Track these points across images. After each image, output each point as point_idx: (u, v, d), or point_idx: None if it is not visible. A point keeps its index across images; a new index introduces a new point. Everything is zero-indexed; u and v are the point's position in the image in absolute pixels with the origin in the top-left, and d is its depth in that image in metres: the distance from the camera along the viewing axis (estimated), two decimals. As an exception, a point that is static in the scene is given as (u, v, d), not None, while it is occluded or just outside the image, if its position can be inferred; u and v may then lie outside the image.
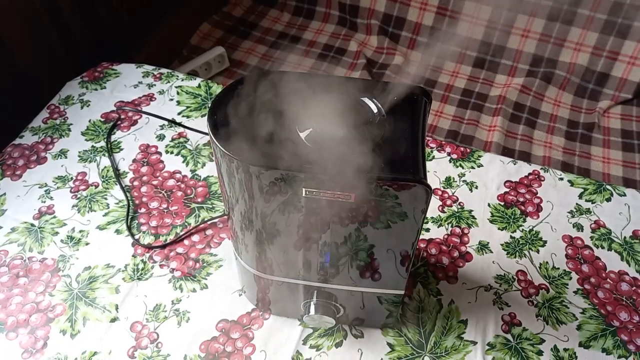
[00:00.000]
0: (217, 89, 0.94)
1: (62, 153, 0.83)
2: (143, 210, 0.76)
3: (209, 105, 0.48)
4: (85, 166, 0.82)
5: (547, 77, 1.32)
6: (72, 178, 0.80)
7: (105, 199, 0.77)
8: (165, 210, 0.77)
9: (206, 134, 0.86)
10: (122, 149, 0.84)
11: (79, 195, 0.78)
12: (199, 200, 0.78)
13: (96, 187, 0.79)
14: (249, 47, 1.39)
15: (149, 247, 0.72)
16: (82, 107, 0.90)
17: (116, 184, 0.79)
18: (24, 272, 0.69)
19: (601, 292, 0.70)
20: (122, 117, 0.88)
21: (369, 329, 0.66)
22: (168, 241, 0.73)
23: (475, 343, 0.65)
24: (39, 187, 0.79)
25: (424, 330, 0.66)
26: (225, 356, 0.63)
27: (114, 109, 0.90)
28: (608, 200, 0.80)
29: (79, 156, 0.83)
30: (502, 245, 0.74)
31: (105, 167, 0.81)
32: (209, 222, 0.75)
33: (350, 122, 0.45)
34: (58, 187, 0.79)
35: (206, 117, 0.48)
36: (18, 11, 0.92)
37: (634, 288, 0.71)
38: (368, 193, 0.44)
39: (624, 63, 1.25)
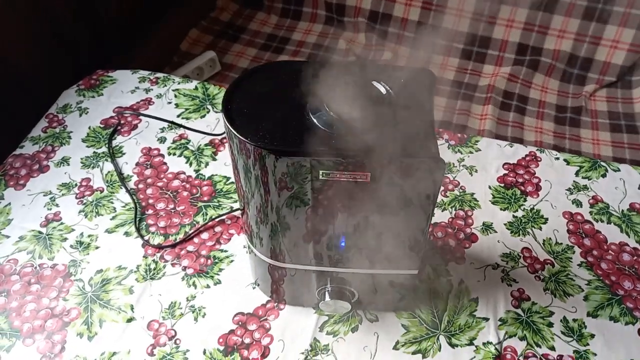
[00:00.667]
0: (214, 90, 0.95)
1: (65, 160, 0.83)
2: (150, 211, 0.77)
3: (223, 98, 0.49)
4: (89, 172, 0.82)
5: (533, 65, 1.35)
6: (76, 184, 0.80)
7: (112, 202, 0.78)
8: (173, 211, 0.77)
9: (207, 133, 0.87)
10: (124, 154, 0.84)
11: (84, 201, 0.78)
12: (206, 199, 0.79)
13: (101, 192, 0.79)
14: (239, 50, 1.40)
15: (160, 247, 0.73)
16: (80, 115, 0.90)
17: (121, 188, 0.79)
18: (35, 279, 0.69)
19: (604, 264, 0.72)
20: (122, 122, 0.89)
21: (383, 312, 0.67)
22: (178, 240, 0.73)
23: (487, 319, 0.66)
24: (44, 195, 0.79)
25: (436, 311, 0.67)
26: (244, 347, 0.63)
27: (113, 114, 0.90)
28: (603, 176, 0.83)
29: (82, 163, 0.83)
30: (505, 225, 0.76)
31: (109, 171, 0.82)
32: (217, 220, 0.76)
33: (363, 104, 0.46)
34: (63, 194, 0.79)
35: (221, 111, 0.49)
36: (16, 11, 0.92)
37: (635, 258, 0.73)
38: (384, 172, 0.45)
39: (607, 47, 1.29)
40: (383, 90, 0.47)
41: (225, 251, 0.73)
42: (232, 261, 0.72)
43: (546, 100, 1.31)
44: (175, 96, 0.93)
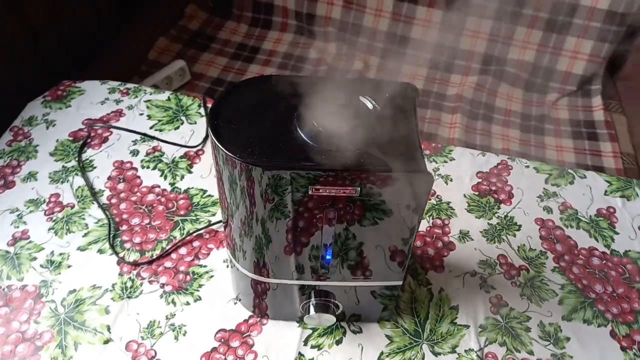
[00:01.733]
0: (187, 101, 0.93)
1: (31, 175, 0.80)
2: (125, 227, 0.75)
3: (209, 111, 0.48)
4: (58, 187, 0.79)
5: (498, 75, 1.39)
6: (44, 200, 0.77)
7: (83, 219, 0.75)
8: (148, 226, 0.75)
9: (182, 145, 0.85)
10: (95, 167, 0.82)
11: (54, 218, 0.75)
12: (182, 213, 0.77)
13: (72, 207, 0.76)
14: (208, 59, 1.38)
15: (136, 264, 0.70)
16: (47, 127, 0.87)
17: (93, 203, 0.77)
18: (4, 302, 0.66)
19: (575, 268, 0.75)
20: (92, 134, 0.86)
21: (366, 323, 0.67)
22: (155, 256, 0.71)
23: (468, 327, 0.67)
24: (10, 213, 0.75)
25: (418, 320, 0.68)
26: (228, 365, 0.62)
27: (82, 127, 0.87)
28: (571, 183, 0.86)
29: (50, 177, 0.80)
30: (481, 232, 0.78)
31: (79, 186, 0.79)
32: (195, 234, 0.74)
33: (350, 119, 0.46)
34: (31, 211, 0.76)
35: (206, 123, 0.48)
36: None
37: (604, 262, 0.76)
38: (373, 186, 0.45)
39: (567, 57, 1.34)
40: (370, 105, 0.48)
41: (205, 266, 0.71)
42: (212, 276, 0.70)
43: (511, 109, 1.35)
44: (148, 107, 0.91)
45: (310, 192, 0.46)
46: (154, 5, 1.43)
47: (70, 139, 0.85)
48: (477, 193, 0.83)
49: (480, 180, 0.85)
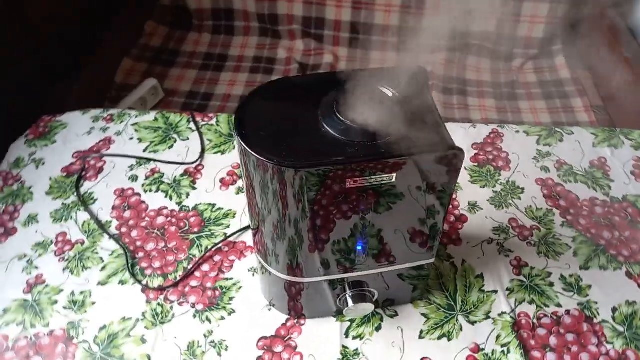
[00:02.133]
0: (175, 118, 0.92)
1: (32, 218, 0.77)
2: (141, 254, 0.73)
3: (234, 120, 0.48)
4: (63, 225, 0.77)
5: (465, 49, 1.43)
6: (52, 241, 0.75)
7: (97, 253, 0.73)
8: (165, 249, 0.74)
9: (180, 163, 0.84)
10: (96, 199, 0.80)
11: (66, 257, 0.73)
12: (196, 230, 0.76)
13: (82, 244, 0.74)
14: (178, 74, 1.36)
15: (162, 289, 0.70)
16: (37, 167, 0.84)
17: (103, 236, 0.75)
18: (34, 351, 0.64)
19: (582, 219, 0.78)
20: (86, 167, 0.84)
21: (400, 306, 0.69)
22: (179, 278, 0.71)
23: (496, 292, 0.70)
24: (19, 260, 0.73)
25: (449, 294, 0.70)
26: (276, 371, 0.62)
27: (74, 160, 0.85)
28: (561, 140, 0.90)
29: (52, 217, 0.78)
30: (488, 201, 0.81)
31: (85, 221, 0.77)
32: (214, 249, 0.74)
33: (374, 108, 0.47)
34: (40, 255, 0.73)
35: (234, 130, 0.48)
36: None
37: (606, 209, 0.80)
38: (408, 170, 0.46)
39: (526, 23, 1.39)
40: (389, 93, 0.49)
41: (231, 279, 0.71)
42: (240, 287, 0.70)
43: (483, 80, 1.39)
44: (136, 130, 0.90)
45: (348, 186, 0.46)
46: (110, 28, 1.39)
47: (64, 174, 0.83)
48: (476, 164, 0.86)
49: (476, 151, 0.87)
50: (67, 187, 0.81)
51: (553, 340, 0.65)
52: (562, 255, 0.74)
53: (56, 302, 0.68)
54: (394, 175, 0.46)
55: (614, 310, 0.68)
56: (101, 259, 0.73)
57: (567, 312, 0.68)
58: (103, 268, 0.72)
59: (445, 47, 1.41)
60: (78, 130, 0.90)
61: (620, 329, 0.66)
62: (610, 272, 0.72)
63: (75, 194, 0.80)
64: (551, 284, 0.71)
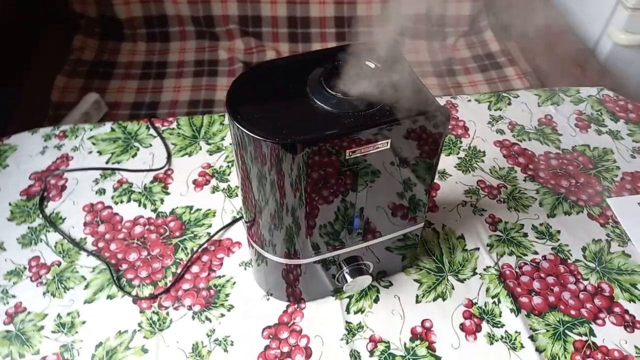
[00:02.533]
0: (132, 127, 0.89)
1: (-3, 247, 0.73)
2: (125, 266, 0.71)
3: (226, 108, 0.48)
4: (34, 250, 0.72)
5: (401, 32, 1.48)
6: (25, 267, 0.70)
7: (77, 272, 0.70)
8: (149, 257, 0.72)
9: (148, 170, 0.82)
10: (65, 219, 0.76)
11: (44, 281, 0.69)
12: (177, 234, 0.75)
13: (59, 265, 0.71)
14: (118, 86, 1.31)
15: (154, 297, 0.68)
16: (-8, 194, 0.79)
17: (80, 254, 0.72)
18: (27, 381, 0.60)
19: (541, 172, 0.84)
20: (47, 187, 0.79)
21: (393, 276, 0.71)
22: (169, 284, 0.69)
23: (478, 249, 0.74)
24: (-9, 291, 0.68)
25: (435, 257, 0.73)
26: (287, 357, 0.63)
27: (31, 182, 0.80)
28: (509, 104, 0.96)
29: (20, 243, 0.73)
30: (455, 167, 0.85)
31: (57, 242, 0.73)
32: (200, 250, 0.73)
33: (360, 80, 0.49)
34: (14, 283, 0.69)
35: (229, 118, 0.48)
36: None
37: (560, 160, 0.86)
38: (400, 134, 0.48)
39: (453, 2, 1.46)
40: (372, 65, 0.51)
41: (223, 276, 0.70)
42: (234, 283, 0.70)
43: (422, 60, 1.45)
44: (94, 144, 0.86)
45: (347, 157, 0.48)
46: (36, 46, 1.32)
47: (24, 197, 0.78)
48: (437, 135, 0.90)
49: (435, 123, 0.91)
50: (30, 210, 0.77)
51: (536, 285, 0.70)
52: (529, 207, 0.79)
53: (42, 327, 0.65)
54: (389, 141, 0.48)
55: (584, 249, 0.74)
56: (82, 277, 0.69)
57: (544, 257, 0.73)
58: (87, 286, 0.69)
59: (382, 32, 1.46)
60: (30, 151, 0.85)
61: (592, 265, 0.72)
62: (574, 216, 0.78)
63: (41, 215, 0.76)
64: (525, 235, 0.76)
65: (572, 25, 1.36)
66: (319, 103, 0.48)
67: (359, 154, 0.48)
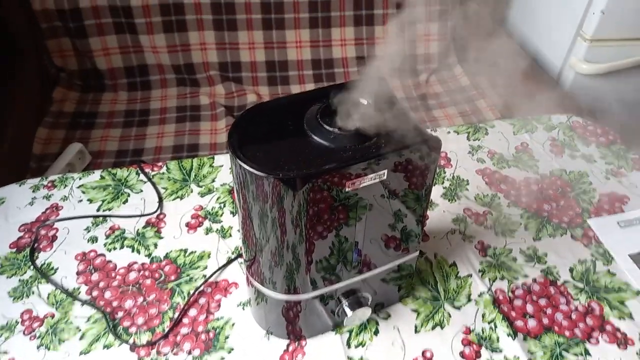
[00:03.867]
0: (122, 173, 0.89)
1: (-13, 302, 0.71)
2: (121, 313, 0.70)
3: (228, 147, 0.49)
4: (26, 303, 0.71)
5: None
6: (17, 321, 0.69)
7: (71, 323, 0.69)
8: (145, 303, 0.71)
9: (140, 215, 0.82)
10: (57, 269, 0.75)
11: (37, 334, 0.67)
12: (173, 278, 0.74)
13: (52, 317, 0.69)
14: (101, 135, 1.32)
15: (152, 344, 0.67)
16: (-20, 249, 0.77)
17: (74, 304, 0.71)
18: None
19: (523, 198, 0.88)
20: (37, 237, 0.79)
21: (391, 307, 0.72)
22: (167, 329, 0.68)
23: (470, 275, 0.76)
24: (-18, 349, 0.66)
25: (430, 286, 0.74)
26: (292, 395, 0.62)
27: (21, 234, 0.79)
28: (486, 134, 1.00)
29: (11, 296, 0.71)
30: (441, 196, 0.87)
31: (49, 293, 0.72)
32: (197, 293, 0.72)
33: (356, 116, 0.51)
34: (7, 338, 0.67)
35: (230, 157, 0.49)
36: None
37: (540, 185, 0.90)
38: (396, 164, 0.51)
39: (422, 42, 1.54)
40: (365, 102, 0.53)
41: (222, 318, 0.70)
42: (233, 324, 0.69)
43: (398, 96, 1.50)
44: (84, 192, 0.86)
45: (347, 189, 0.50)
46: (13, 100, 1.32)
47: (13, 250, 0.77)
48: (422, 167, 0.93)
49: (418, 155, 0.95)
50: (21, 263, 0.75)
51: (530, 308, 0.72)
52: (515, 232, 0.82)
53: (37, 383, 0.63)
54: (385, 172, 0.50)
55: (571, 270, 0.77)
56: (77, 327, 0.68)
57: (534, 280, 0.75)
58: (82, 336, 0.67)
59: (357, 73, 1.51)
60: (18, 202, 0.84)
61: (580, 285, 0.75)
62: (559, 238, 0.81)
63: (32, 267, 0.75)
64: (514, 259, 0.78)
65: (535, 57, 1.44)
66: (318, 139, 0.50)
67: (357, 186, 0.50)
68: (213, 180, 0.89)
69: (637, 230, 0.83)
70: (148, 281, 0.74)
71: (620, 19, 1.25)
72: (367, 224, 0.56)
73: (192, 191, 0.87)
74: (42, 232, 0.80)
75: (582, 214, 0.85)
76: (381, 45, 1.51)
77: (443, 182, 0.90)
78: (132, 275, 0.74)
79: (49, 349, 0.66)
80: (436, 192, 0.88)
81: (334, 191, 0.49)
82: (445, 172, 0.92)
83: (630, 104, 1.33)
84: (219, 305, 0.71)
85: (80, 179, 0.88)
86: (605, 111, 1.29)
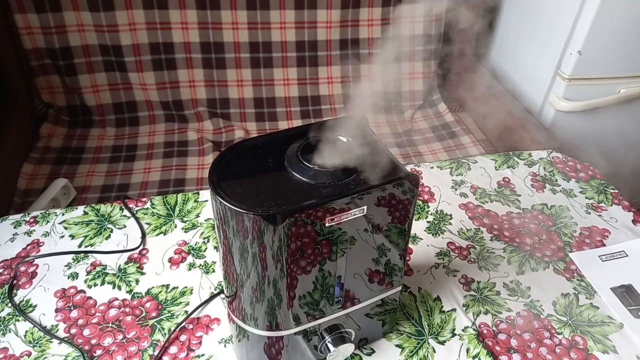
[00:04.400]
0: (106, 209, 0.89)
1: (-39, 341, 0.69)
2: (99, 351, 0.68)
3: (209, 184, 0.50)
4: (2, 341, 0.69)
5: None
6: (-9, 361, 0.67)
7: (48, 361, 0.67)
8: (125, 340, 0.70)
9: (122, 251, 0.81)
10: (35, 306, 0.74)
11: (12, 374, 0.66)
12: (154, 314, 0.73)
13: (29, 355, 0.68)
14: (87, 170, 1.32)
15: (131, 382, 0.65)
16: (-43, 285, 0.76)
17: (51, 342, 0.69)
18: None
19: (506, 232, 0.88)
20: (17, 274, 0.77)
21: (374, 342, 0.71)
22: (146, 367, 0.67)
23: (455, 309, 0.75)
24: (-47, 390, 0.64)
25: (414, 321, 0.74)
26: None
27: (0, 270, 0.78)
28: (469, 169, 1.02)
29: (-13, 335, 0.70)
30: (425, 231, 0.88)
31: (26, 331, 0.70)
32: (178, 329, 0.71)
33: (335, 153, 0.52)
34: (-20, 378, 0.65)
35: (211, 194, 0.50)
36: None
37: (522, 220, 0.91)
38: (375, 200, 0.51)
39: (407, 79, 1.58)
40: (344, 139, 0.55)
41: (203, 355, 0.69)
42: (215, 361, 0.68)
43: (383, 132, 1.53)
44: (66, 228, 0.85)
45: (327, 224, 0.50)
46: (2, 136, 1.32)
47: (-8, 287, 0.76)
48: (405, 201, 0.94)
49: (402, 190, 0.96)
50: (-2, 300, 0.74)
51: (514, 342, 0.72)
52: (499, 266, 0.82)
53: None
54: (365, 207, 0.51)
55: (554, 303, 0.77)
56: (54, 367, 0.67)
57: (518, 314, 0.75)
58: (58, 376, 0.66)
59: (349, 109, 1.54)
60: (-1, 238, 0.83)
61: (564, 319, 0.75)
62: (542, 271, 0.82)
63: (10, 304, 0.73)
64: (498, 293, 0.78)
65: (516, 95, 1.48)
66: (297, 175, 0.51)
67: (337, 222, 0.50)
68: (197, 216, 0.89)
69: (619, 263, 0.83)
70: (129, 318, 0.73)
71: (597, 59, 1.29)
72: (350, 258, 0.56)
73: (176, 226, 0.87)
74: (22, 268, 0.79)
75: (564, 248, 0.86)
76: (362, 83, 1.55)
77: (427, 217, 0.91)
78: (112, 312, 0.73)
79: (23, 390, 0.64)
80: (420, 227, 0.88)
81: (315, 226, 0.50)
82: (429, 207, 0.93)
83: (609, 139, 1.36)
84: (200, 342, 0.70)
85: (63, 214, 0.88)
86: (585, 146, 1.32)
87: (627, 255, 0.85)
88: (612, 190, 0.98)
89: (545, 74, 1.38)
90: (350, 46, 1.52)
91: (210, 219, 0.88)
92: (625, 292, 0.79)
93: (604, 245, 0.87)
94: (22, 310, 0.73)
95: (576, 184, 0.99)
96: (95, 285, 0.77)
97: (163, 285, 0.77)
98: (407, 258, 0.83)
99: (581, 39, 1.27)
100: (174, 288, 0.77)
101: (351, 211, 0.51)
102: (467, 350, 0.70)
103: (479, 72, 1.57)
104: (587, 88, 1.34)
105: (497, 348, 0.71)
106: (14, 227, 0.86)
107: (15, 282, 0.77)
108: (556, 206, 0.94)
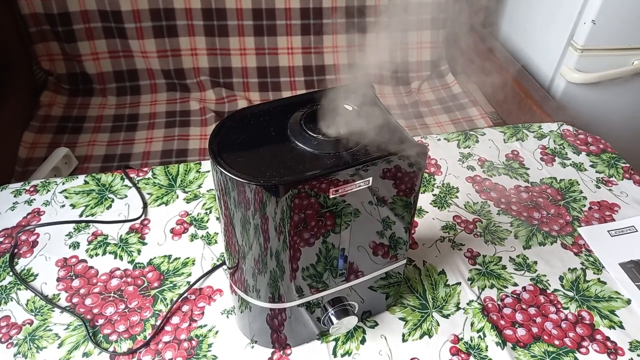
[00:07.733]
0: (107, 178, 0.88)
1: (-37, 309, 0.69)
2: (101, 321, 0.68)
3: (209, 153, 0.48)
4: (3, 309, 0.69)
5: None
6: (-7, 329, 0.67)
7: (50, 330, 0.67)
8: (127, 310, 0.69)
9: (123, 221, 0.80)
10: (36, 275, 0.73)
11: (14, 342, 0.65)
12: (156, 285, 0.73)
13: (31, 324, 0.67)
14: (88, 140, 1.30)
15: (132, 352, 0.65)
16: (-43, 254, 0.75)
17: (53, 311, 0.69)
18: None
19: (513, 206, 0.87)
20: (18, 243, 0.77)
21: (378, 315, 0.70)
22: (148, 337, 0.66)
23: (459, 283, 0.75)
24: (-44, 357, 0.64)
25: (418, 294, 0.73)
26: (275, 406, 0.61)
27: (1, 239, 0.77)
28: (477, 141, 0.99)
29: (-12, 303, 0.70)
30: (431, 204, 0.86)
31: (28, 300, 0.70)
32: (180, 300, 0.71)
33: (340, 122, 0.50)
34: (-18, 346, 0.65)
35: (211, 164, 0.48)
36: None
37: (530, 193, 0.89)
38: (381, 171, 0.50)
39: (414, 49, 1.54)
40: (350, 108, 0.52)
41: (205, 325, 0.68)
42: (217, 332, 0.68)
43: (389, 104, 1.50)
44: (66, 197, 0.84)
45: (331, 196, 0.48)
46: (2, 104, 1.30)
47: (-7, 255, 0.75)
48: (411, 174, 0.92)
49: (408, 162, 0.94)
50: (0, 269, 0.74)
51: (519, 316, 0.71)
52: (505, 240, 0.81)
53: (12, 394, 0.61)
54: (370, 179, 0.49)
55: (561, 278, 0.76)
56: (56, 335, 0.66)
57: (524, 288, 0.74)
58: (61, 344, 0.65)
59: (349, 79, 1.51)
60: (-1, 207, 0.82)
61: (570, 294, 0.74)
62: (549, 246, 0.80)
63: (11, 273, 0.73)
64: (504, 267, 0.77)
65: (526, 66, 1.44)
66: (301, 145, 0.49)
67: (341, 193, 0.49)
68: (199, 186, 0.87)
69: (628, 239, 0.82)
70: (130, 288, 0.72)
71: (611, 29, 1.25)
72: (354, 231, 0.55)
73: (177, 197, 0.85)
74: (23, 237, 0.78)
75: (572, 223, 0.84)
76: (368, 51, 1.51)
77: (433, 190, 0.89)
78: (114, 282, 0.73)
79: (26, 357, 0.64)
80: (426, 200, 0.87)
81: (319, 198, 0.48)
82: (435, 180, 0.91)
83: (620, 113, 1.33)
84: (202, 313, 0.70)
85: (63, 183, 0.87)
86: (596, 120, 1.29)
87: (636, 231, 0.83)
88: (623, 164, 0.96)
89: (557, 44, 1.34)
90: (357, 14, 1.48)
91: (212, 190, 0.87)
92: (634, 268, 0.77)
93: (613, 220, 0.85)
94: (24, 279, 0.72)
95: (587, 158, 0.97)
96: (96, 255, 0.76)
97: (165, 256, 0.76)
98: (412, 231, 0.81)
99: (595, 8, 1.22)
100: (176, 259, 0.76)
101: (356, 183, 0.49)
102: (472, 324, 0.70)
103: (489, 42, 1.53)
104: (600, 59, 1.30)
105: (502, 322, 0.70)
106: (14, 196, 0.85)
107: (16, 251, 0.76)
108: (565, 180, 0.92)
